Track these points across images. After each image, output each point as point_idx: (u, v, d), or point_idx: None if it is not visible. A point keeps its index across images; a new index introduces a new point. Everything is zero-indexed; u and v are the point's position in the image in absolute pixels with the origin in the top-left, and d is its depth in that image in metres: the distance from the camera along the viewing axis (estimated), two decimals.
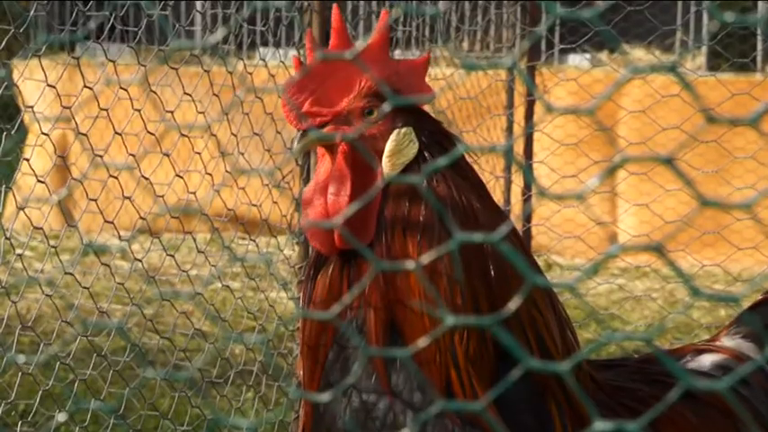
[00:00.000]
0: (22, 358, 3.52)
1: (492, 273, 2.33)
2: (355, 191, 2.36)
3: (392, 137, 2.38)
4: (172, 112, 4.41)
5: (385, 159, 2.37)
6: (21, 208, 4.18)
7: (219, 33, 9.99)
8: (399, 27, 9.19)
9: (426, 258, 2.24)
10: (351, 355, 2.37)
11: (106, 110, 4.17)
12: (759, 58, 11.71)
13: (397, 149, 2.38)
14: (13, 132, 4.29)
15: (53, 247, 4.48)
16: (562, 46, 10.66)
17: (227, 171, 4.61)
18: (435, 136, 2.43)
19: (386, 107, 2.32)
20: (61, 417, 3.31)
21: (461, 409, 2.26)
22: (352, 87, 2.38)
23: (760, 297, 2.92)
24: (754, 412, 2.70)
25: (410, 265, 2.26)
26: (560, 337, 2.42)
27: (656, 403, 2.53)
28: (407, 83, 2.43)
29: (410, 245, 2.32)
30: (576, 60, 11.95)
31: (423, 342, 2.20)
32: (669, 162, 1.37)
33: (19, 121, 4.26)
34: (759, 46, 11.48)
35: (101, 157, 3.77)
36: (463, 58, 10.09)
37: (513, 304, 2.10)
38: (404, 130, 2.38)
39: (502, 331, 2.08)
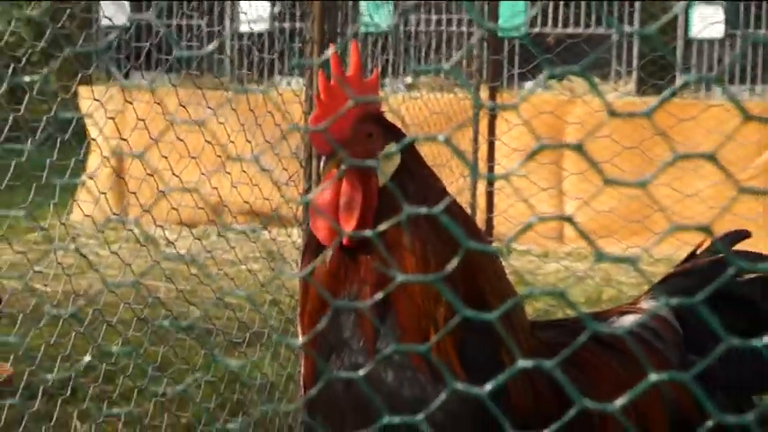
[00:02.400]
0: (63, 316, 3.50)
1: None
2: (360, 200, 2.37)
3: (383, 153, 2.38)
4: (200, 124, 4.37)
5: (380, 172, 2.37)
6: (74, 200, 4.18)
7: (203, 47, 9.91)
8: (387, 56, 9.20)
9: (384, 226, 2.23)
10: (344, 322, 2.36)
11: (143, 120, 4.13)
12: (677, 83, 11.74)
13: (385, 162, 2.38)
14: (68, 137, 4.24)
15: (100, 231, 4.47)
16: (519, 70, 10.74)
17: (242, 170, 4.61)
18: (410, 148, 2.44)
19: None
20: (87, 357, 3.31)
21: (416, 352, 2.26)
22: (354, 115, 2.36)
23: (670, 272, 2.95)
24: (665, 361, 2.71)
25: (368, 232, 2.26)
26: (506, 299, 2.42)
27: (587, 355, 2.54)
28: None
29: (398, 234, 2.31)
30: (532, 85, 11.95)
31: (376, 294, 2.18)
32: (579, 148, 1.34)
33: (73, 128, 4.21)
34: (677, 74, 11.51)
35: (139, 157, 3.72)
36: (417, 67, 10.20)
37: (451, 265, 2.08)
38: (392, 147, 2.39)
39: (444, 287, 2.14)
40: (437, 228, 2.34)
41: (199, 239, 4.61)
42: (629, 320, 2.80)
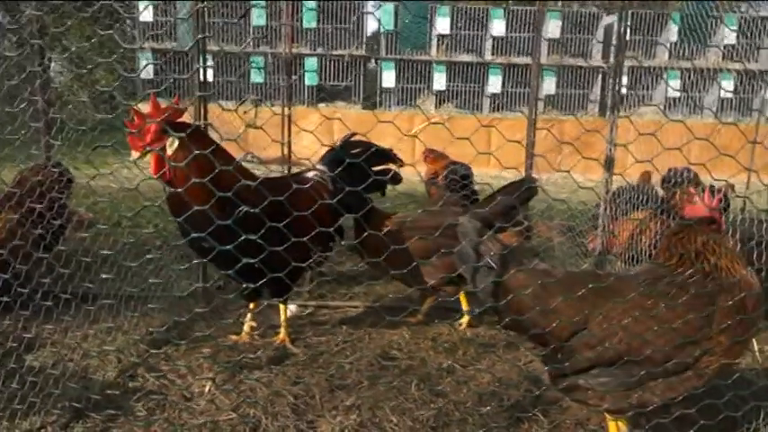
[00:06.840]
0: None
1: (215, 165, 2.24)
2: (161, 163, 2.35)
3: (168, 141, 2.34)
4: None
5: (168, 149, 2.35)
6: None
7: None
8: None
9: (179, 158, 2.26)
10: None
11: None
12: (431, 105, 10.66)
13: (170, 144, 2.34)
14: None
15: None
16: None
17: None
18: (190, 133, 2.34)
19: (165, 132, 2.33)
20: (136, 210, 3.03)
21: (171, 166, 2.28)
22: (151, 130, 2.34)
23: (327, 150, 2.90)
24: (326, 188, 2.79)
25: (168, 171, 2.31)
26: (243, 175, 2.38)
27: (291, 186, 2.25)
28: (173, 116, 2.38)
29: (179, 172, 2.31)
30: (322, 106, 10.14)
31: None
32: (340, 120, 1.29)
33: None
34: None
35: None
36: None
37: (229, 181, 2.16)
38: (172, 138, 2.34)
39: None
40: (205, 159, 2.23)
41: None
42: (310, 174, 2.84)
